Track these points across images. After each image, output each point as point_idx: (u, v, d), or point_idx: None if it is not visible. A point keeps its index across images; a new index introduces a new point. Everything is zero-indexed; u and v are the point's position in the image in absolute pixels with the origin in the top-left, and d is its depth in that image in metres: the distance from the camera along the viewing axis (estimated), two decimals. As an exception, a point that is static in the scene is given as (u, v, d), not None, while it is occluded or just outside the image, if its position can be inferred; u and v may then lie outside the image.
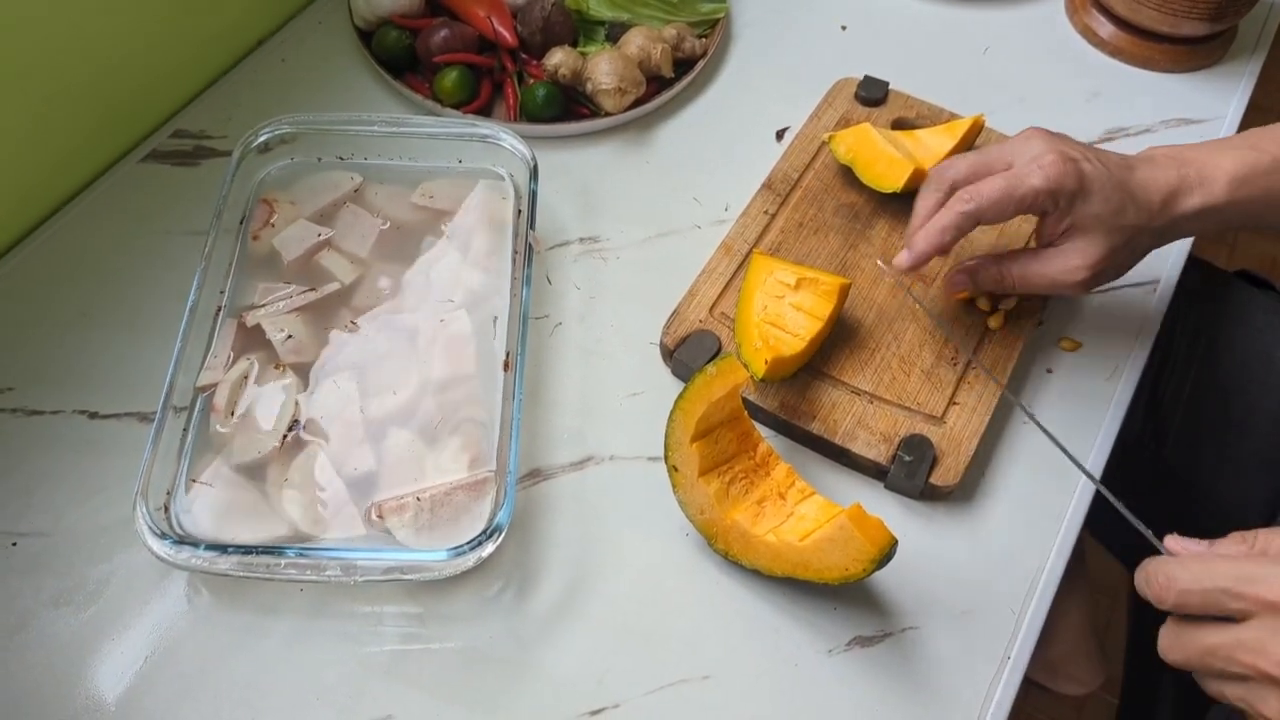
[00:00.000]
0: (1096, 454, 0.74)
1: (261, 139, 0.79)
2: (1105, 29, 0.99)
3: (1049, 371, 0.77)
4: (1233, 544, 0.54)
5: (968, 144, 0.84)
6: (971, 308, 0.77)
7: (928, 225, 0.69)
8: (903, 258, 0.70)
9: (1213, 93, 0.96)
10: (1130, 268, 0.71)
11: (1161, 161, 0.69)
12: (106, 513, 0.68)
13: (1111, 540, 1.02)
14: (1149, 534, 0.58)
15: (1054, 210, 0.68)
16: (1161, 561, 0.55)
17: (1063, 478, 0.72)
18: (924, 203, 0.71)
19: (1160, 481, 0.92)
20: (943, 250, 0.69)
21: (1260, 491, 0.88)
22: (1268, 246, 1.97)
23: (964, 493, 0.72)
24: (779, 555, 0.63)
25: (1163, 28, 0.94)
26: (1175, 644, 0.54)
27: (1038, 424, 0.67)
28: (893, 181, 0.80)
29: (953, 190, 0.70)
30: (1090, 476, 0.64)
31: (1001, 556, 0.69)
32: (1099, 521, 0.74)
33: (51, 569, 0.66)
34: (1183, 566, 0.53)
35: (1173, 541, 0.56)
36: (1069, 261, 0.69)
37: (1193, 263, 0.87)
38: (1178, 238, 0.72)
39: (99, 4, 0.79)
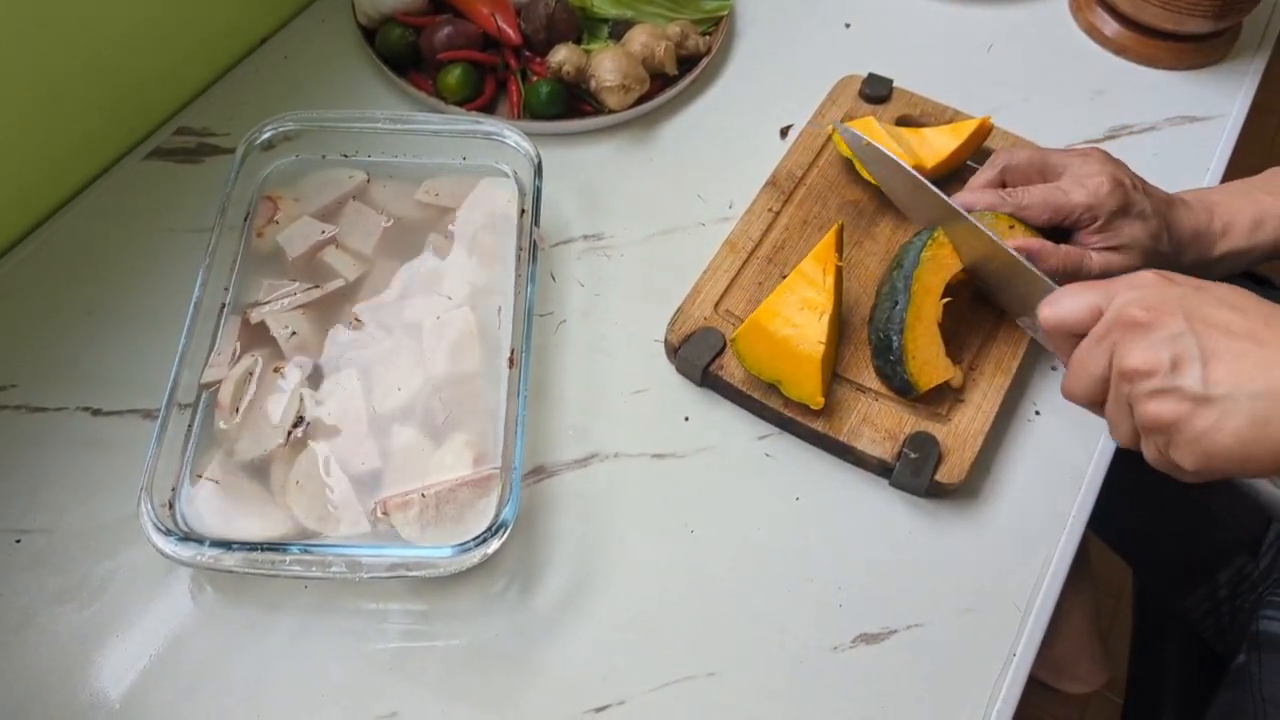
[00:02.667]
0: (1100, 453, 0.74)
1: (265, 136, 0.79)
2: (1109, 26, 0.99)
3: (1054, 369, 0.77)
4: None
5: (975, 144, 0.84)
6: (981, 304, 0.77)
7: (972, 189, 0.76)
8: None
9: (1217, 90, 0.96)
10: None
11: (1194, 205, 0.73)
12: (110, 510, 0.68)
13: (1116, 538, 1.02)
14: (1046, 279, 0.67)
15: (1091, 224, 0.71)
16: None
17: (1068, 475, 0.72)
18: (977, 177, 0.77)
19: (1160, 484, 0.92)
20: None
21: (1258, 498, 0.88)
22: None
23: (969, 490, 0.71)
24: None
25: (1167, 25, 0.94)
26: (1073, 363, 0.59)
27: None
28: None
29: (1004, 173, 0.76)
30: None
31: (1007, 553, 0.69)
32: (1104, 520, 0.74)
33: (55, 566, 0.66)
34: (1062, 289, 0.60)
35: None
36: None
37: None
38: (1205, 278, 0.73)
39: (105, 2, 0.79)
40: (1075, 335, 0.59)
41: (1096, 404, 0.59)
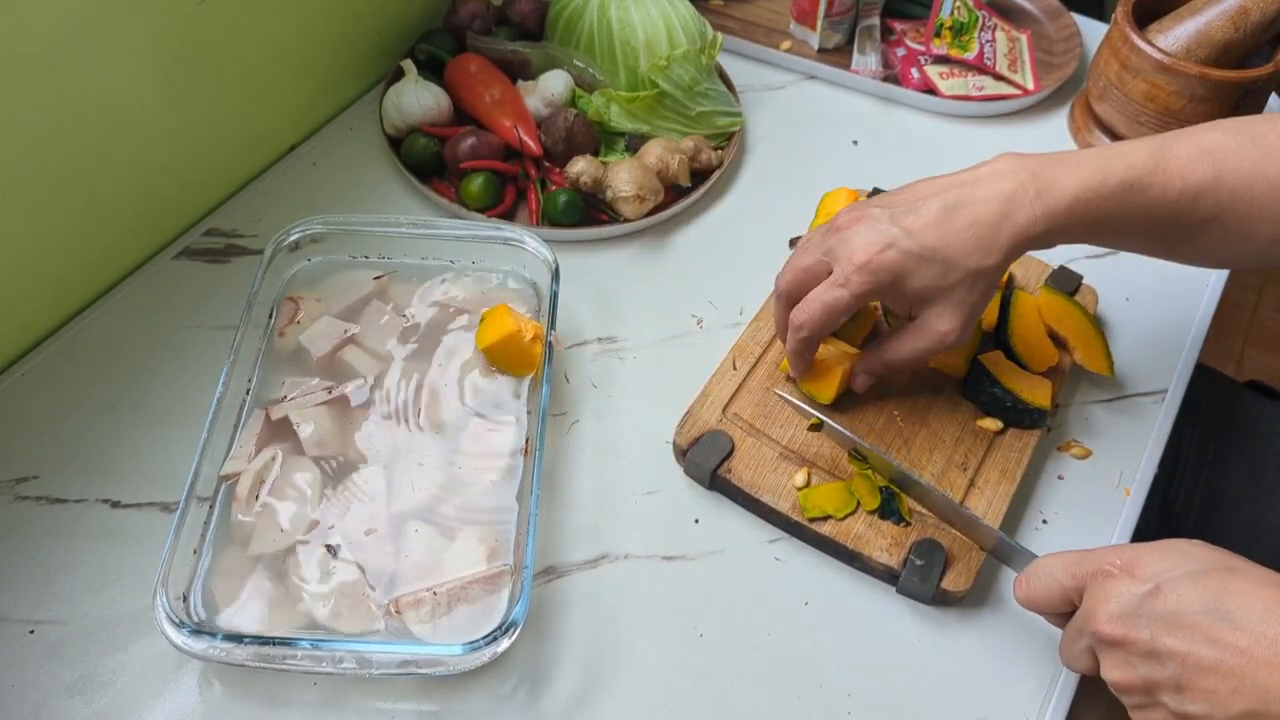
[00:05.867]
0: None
1: (292, 238, 0.82)
2: (1107, 147, 1.02)
3: (1060, 478, 0.78)
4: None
5: None
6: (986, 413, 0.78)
7: (789, 356, 0.75)
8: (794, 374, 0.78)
9: (1214, 209, 0.99)
10: (992, 296, 0.71)
11: (1005, 174, 0.70)
12: (124, 602, 0.68)
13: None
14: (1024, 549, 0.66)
15: (887, 298, 0.70)
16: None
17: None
18: (776, 314, 0.76)
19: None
20: (810, 363, 0.75)
21: None
22: (1277, 363, 2.00)
23: (976, 598, 0.72)
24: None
25: (1163, 147, 0.97)
26: (1061, 649, 0.61)
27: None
28: None
29: (785, 297, 0.73)
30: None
31: (1016, 664, 0.69)
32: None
33: (66, 658, 0.66)
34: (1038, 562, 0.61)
35: None
36: (937, 328, 0.69)
37: (1202, 372, 0.88)
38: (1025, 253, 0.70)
39: (144, 113, 0.83)
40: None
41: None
